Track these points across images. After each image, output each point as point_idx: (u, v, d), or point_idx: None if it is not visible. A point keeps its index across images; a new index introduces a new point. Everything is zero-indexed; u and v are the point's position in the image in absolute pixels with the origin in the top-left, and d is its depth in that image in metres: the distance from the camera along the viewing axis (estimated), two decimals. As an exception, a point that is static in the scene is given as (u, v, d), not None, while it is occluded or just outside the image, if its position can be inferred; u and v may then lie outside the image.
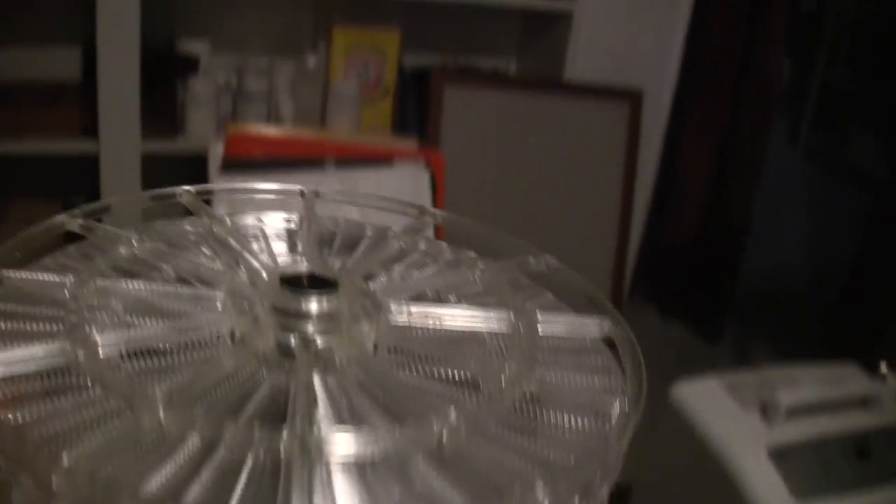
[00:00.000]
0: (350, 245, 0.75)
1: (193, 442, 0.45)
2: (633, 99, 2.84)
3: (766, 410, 1.66)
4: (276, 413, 0.49)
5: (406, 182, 1.95)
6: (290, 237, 0.76)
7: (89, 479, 0.41)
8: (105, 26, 2.40)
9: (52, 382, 0.49)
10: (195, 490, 0.42)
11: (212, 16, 2.73)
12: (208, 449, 0.45)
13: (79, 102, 2.47)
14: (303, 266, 0.61)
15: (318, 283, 0.58)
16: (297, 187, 0.78)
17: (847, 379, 1.83)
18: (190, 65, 2.61)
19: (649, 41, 2.89)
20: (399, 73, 2.75)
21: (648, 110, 2.89)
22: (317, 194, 0.78)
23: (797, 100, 5.66)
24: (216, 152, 1.92)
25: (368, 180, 1.91)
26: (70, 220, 0.66)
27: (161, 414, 0.46)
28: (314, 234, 0.75)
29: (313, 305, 0.53)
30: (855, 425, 1.71)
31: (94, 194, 2.39)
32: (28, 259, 0.60)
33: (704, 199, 3.03)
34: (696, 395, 1.75)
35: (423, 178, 1.97)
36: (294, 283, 0.57)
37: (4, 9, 2.52)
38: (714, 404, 1.72)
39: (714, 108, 2.95)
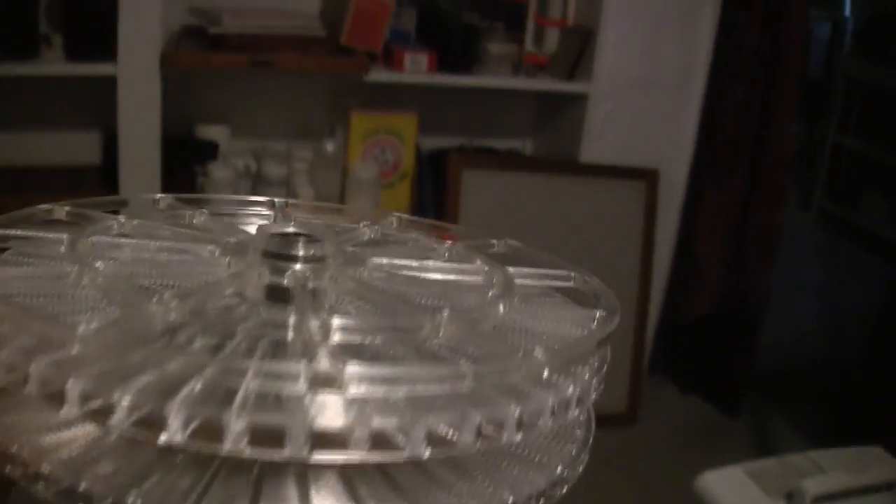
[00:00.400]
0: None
1: (202, 342, 0.46)
2: (649, 178, 2.86)
3: (793, 499, 1.66)
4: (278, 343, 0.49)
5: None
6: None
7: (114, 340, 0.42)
8: (126, 112, 2.44)
9: (57, 294, 0.50)
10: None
11: (231, 102, 2.77)
12: (216, 349, 0.46)
13: (99, 186, 2.50)
14: (289, 227, 0.60)
15: (305, 237, 0.58)
16: (267, 198, 0.78)
17: (872, 463, 1.83)
18: (209, 150, 2.64)
19: (664, 120, 2.92)
20: (416, 156, 2.77)
21: (664, 188, 2.91)
22: (287, 204, 0.77)
23: (809, 165, 5.69)
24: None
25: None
26: (57, 208, 0.67)
27: (172, 313, 0.46)
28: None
29: (302, 250, 0.54)
30: (883, 511, 1.71)
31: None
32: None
33: (722, 274, 3.04)
34: (721, 485, 1.74)
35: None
36: (282, 236, 0.58)
37: (27, 94, 2.56)
38: (740, 494, 1.72)
39: (729, 183, 2.96)
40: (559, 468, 0.48)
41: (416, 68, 2.63)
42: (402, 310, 0.53)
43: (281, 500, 0.41)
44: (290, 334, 0.46)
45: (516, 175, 2.81)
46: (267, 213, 0.76)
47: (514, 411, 0.42)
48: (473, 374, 0.42)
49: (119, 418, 0.39)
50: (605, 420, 2.85)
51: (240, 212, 0.75)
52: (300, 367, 0.40)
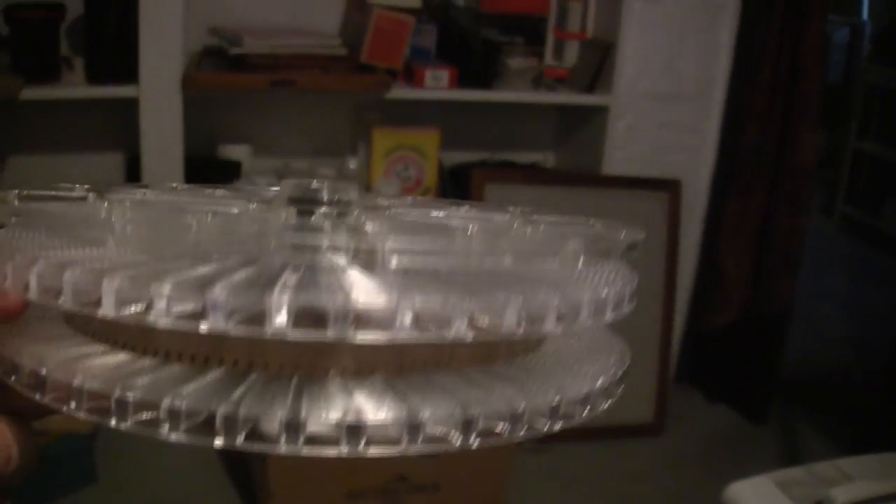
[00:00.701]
0: None
1: (234, 259, 0.45)
2: (671, 189, 2.86)
3: (823, 510, 1.66)
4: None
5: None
6: None
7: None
8: (149, 133, 2.46)
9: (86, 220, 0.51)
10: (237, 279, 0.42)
11: (253, 121, 2.79)
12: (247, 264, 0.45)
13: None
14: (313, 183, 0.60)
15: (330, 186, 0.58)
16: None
17: (901, 470, 1.82)
18: (232, 169, 2.65)
19: (685, 131, 2.92)
20: (439, 171, 2.78)
21: (687, 198, 2.91)
22: None
23: (831, 171, 5.68)
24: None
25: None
26: (78, 187, 0.64)
27: (205, 232, 0.47)
28: None
29: (327, 195, 0.53)
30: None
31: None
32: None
33: (746, 283, 3.03)
34: (749, 495, 1.74)
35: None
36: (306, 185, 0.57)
37: (50, 118, 2.59)
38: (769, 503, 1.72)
39: (751, 193, 2.96)
40: (601, 379, 0.47)
41: (437, 84, 2.64)
42: (433, 230, 0.54)
43: (324, 397, 0.40)
44: (325, 242, 0.46)
45: (539, 188, 2.82)
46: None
47: (555, 300, 0.42)
48: (514, 256, 0.44)
49: (159, 310, 0.39)
50: (631, 430, 2.86)
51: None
52: (341, 238, 0.41)
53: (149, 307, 0.39)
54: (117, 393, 0.39)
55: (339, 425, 0.38)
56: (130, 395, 0.39)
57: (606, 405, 0.47)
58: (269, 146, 2.79)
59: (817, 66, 2.86)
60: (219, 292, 0.38)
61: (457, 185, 2.83)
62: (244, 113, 2.78)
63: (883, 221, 5.22)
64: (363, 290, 0.40)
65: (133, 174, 2.57)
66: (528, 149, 3.07)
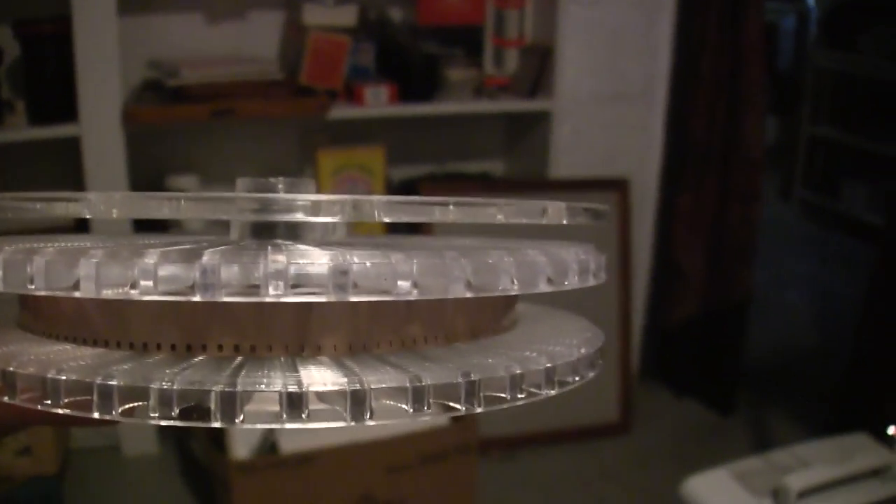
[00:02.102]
0: None
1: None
2: (620, 188, 2.88)
3: (779, 497, 1.67)
4: None
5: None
6: None
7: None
8: (92, 170, 2.45)
9: None
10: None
11: (198, 151, 2.78)
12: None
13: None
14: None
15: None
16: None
17: (858, 451, 1.83)
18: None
19: (631, 130, 2.93)
20: (387, 187, 2.79)
21: (637, 196, 2.93)
22: None
23: (786, 156, 5.71)
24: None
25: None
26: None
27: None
28: None
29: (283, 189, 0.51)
30: (870, 497, 1.71)
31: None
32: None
33: (703, 276, 3.05)
34: (706, 489, 1.75)
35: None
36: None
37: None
38: (725, 496, 1.73)
39: (702, 186, 2.98)
40: (584, 349, 0.47)
41: (378, 101, 2.65)
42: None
43: (321, 369, 0.39)
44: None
45: (487, 196, 2.82)
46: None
47: (544, 260, 0.43)
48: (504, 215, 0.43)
49: (145, 287, 0.37)
50: (598, 431, 2.87)
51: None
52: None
53: (133, 285, 0.37)
54: (99, 381, 0.37)
55: (341, 393, 0.37)
56: (115, 382, 0.37)
57: (592, 375, 0.47)
58: (216, 174, 2.79)
59: (758, 56, 2.88)
60: (209, 259, 0.37)
61: (406, 200, 2.83)
62: (189, 143, 2.78)
63: (841, 204, 5.25)
64: (358, 254, 0.38)
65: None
66: (476, 159, 3.08)
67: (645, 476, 2.73)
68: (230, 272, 0.37)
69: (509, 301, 0.52)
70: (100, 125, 2.42)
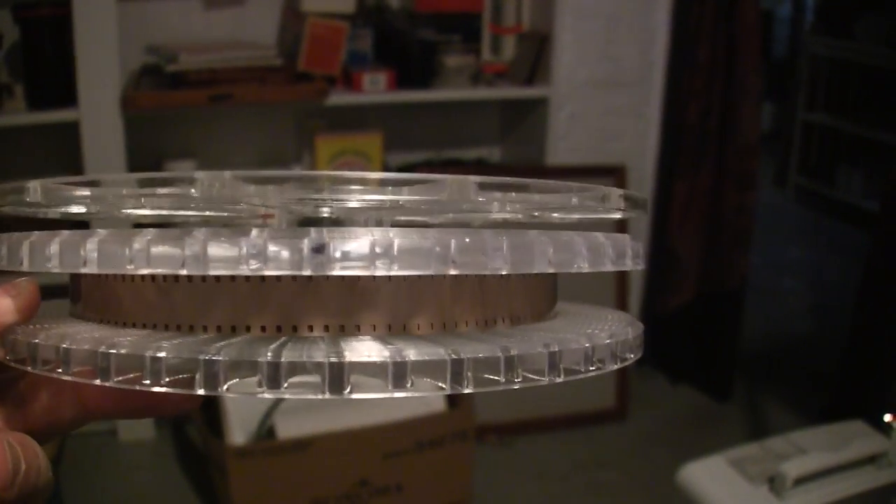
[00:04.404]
0: None
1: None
2: (616, 175, 2.88)
3: (775, 483, 1.68)
4: None
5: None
6: None
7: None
8: (91, 155, 2.45)
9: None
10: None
11: (196, 136, 2.78)
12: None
13: (72, 227, 2.51)
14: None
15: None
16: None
17: (854, 438, 1.84)
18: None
19: (627, 116, 2.94)
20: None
21: (633, 183, 2.93)
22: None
23: (782, 143, 5.72)
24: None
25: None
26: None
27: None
28: None
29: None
30: (866, 484, 1.72)
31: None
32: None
33: (699, 263, 3.06)
34: (703, 476, 1.76)
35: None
36: None
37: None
38: (722, 483, 1.73)
39: (698, 172, 2.98)
40: (629, 331, 0.47)
41: (376, 88, 2.65)
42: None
43: (361, 348, 0.39)
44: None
45: (484, 184, 2.82)
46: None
47: (581, 242, 0.43)
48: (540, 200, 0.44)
49: (216, 258, 0.38)
50: (594, 417, 2.88)
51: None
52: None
53: (184, 263, 0.38)
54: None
55: (381, 365, 0.38)
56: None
57: (633, 359, 0.47)
58: (214, 159, 2.79)
59: (754, 42, 2.89)
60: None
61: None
62: (187, 128, 2.78)
63: (836, 190, 5.26)
64: (399, 234, 0.38)
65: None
66: (473, 145, 3.08)
67: (641, 462, 2.73)
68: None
69: (548, 291, 0.52)
70: (99, 110, 2.42)
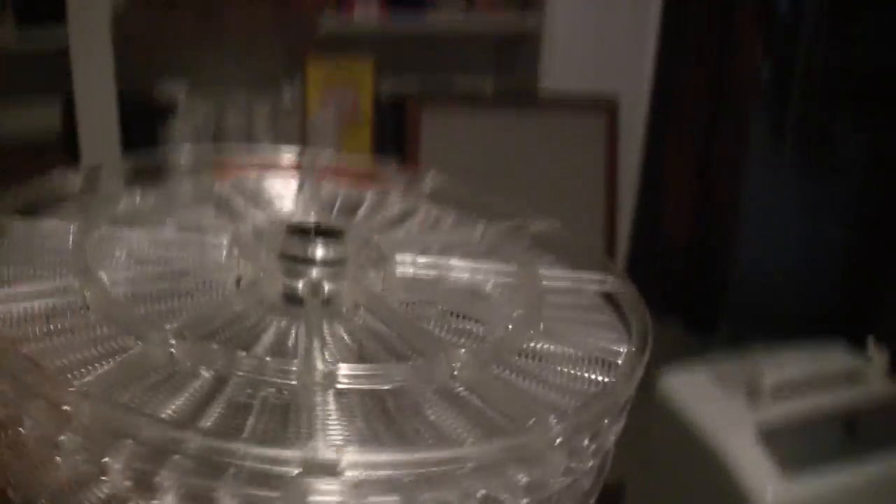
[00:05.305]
0: (352, 208, 0.73)
1: (205, 377, 0.45)
2: (608, 107, 2.87)
3: (752, 392, 1.69)
4: (285, 354, 0.48)
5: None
6: (292, 198, 0.74)
7: (104, 401, 0.40)
8: (81, 75, 2.44)
9: (60, 320, 0.48)
10: (210, 418, 0.42)
11: (188, 58, 2.77)
12: (219, 383, 0.45)
13: (62, 151, 2.51)
14: (308, 217, 0.59)
15: (324, 233, 0.57)
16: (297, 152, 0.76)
17: (833, 357, 1.85)
18: (169, 108, 2.65)
19: (622, 48, 2.92)
20: (376, 100, 2.78)
21: (626, 117, 2.92)
22: (315, 165, 0.75)
23: (780, 96, 5.68)
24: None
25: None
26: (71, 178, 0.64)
27: (172, 348, 0.45)
28: (316, 195, 0.73)
29: (320, 251, 0.52)
30: (842, 401, 1.73)
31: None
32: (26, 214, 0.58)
33: (690, 199, 3.05)
34: (682, 386, 1.77)
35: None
36: (300, 233, 0.56)
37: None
38: (700, 392, 1.74)
39: (693, 109, 2.97)
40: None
41: (368, 14, 2.64)
42: (416, 349, 0.51)
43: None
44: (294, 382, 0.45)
45: (475, 114, 2.81)
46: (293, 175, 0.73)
47: (522, 480, 0.42)
48: (479, 455, 0.42)
49: (113, 480, 0.39)
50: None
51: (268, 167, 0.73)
52: (295, 455, 0.39)
53: (102, 473, 0.40)
54: None
55: None
56: None
57: None
58: (206, 80, 2.78)
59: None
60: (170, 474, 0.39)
61: (395, 114, 2.82)
62: (179, 50, 2.76)
63: (835, 142, 5.22)
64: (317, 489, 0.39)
65: (70, 117, 2.54)
66: (466, 73, 3.07)
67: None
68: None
69: None
70: (88, 30, 2.41)
